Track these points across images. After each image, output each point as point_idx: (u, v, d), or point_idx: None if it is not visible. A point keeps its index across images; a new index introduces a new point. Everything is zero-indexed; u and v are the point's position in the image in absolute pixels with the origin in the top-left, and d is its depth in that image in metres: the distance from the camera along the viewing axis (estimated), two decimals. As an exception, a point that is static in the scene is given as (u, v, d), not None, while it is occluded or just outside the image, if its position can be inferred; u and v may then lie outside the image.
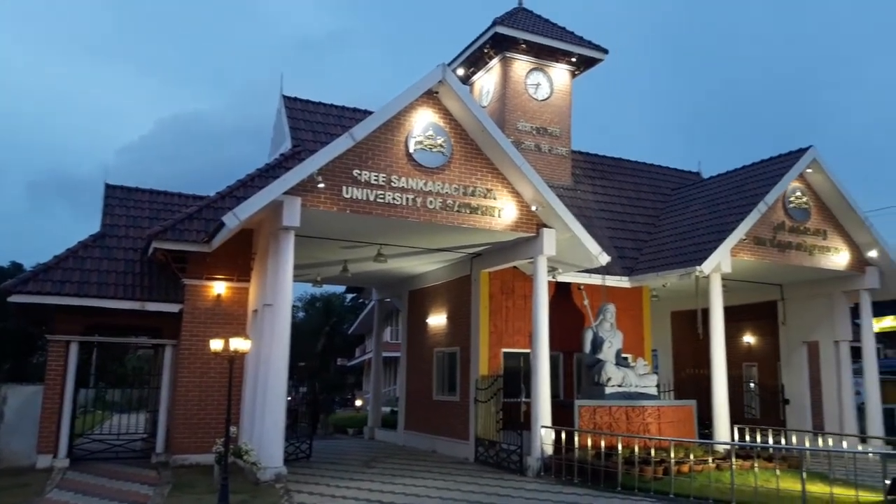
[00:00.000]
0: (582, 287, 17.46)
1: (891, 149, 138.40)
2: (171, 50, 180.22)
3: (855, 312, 19.79)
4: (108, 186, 17.85)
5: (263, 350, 12.97)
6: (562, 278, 17.09)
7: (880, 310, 30.28)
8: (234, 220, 12.25)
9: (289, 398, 15.69)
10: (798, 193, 18.07)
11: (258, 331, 13.70)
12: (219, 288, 15.33)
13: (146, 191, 18.24)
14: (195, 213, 15.27)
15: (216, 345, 11.32)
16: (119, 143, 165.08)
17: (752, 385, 21.28)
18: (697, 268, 16.16)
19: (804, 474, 10.91)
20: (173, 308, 15.25)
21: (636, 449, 12.67)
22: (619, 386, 15.42)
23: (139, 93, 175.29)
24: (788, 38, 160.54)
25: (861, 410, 19.45)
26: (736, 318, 20.20)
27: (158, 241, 14.62)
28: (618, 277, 17.99)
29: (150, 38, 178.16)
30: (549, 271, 15.64)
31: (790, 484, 11.45)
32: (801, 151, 18.08)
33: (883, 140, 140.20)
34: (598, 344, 16.01)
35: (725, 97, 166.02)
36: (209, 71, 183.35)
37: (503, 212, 14.37)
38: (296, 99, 18.00)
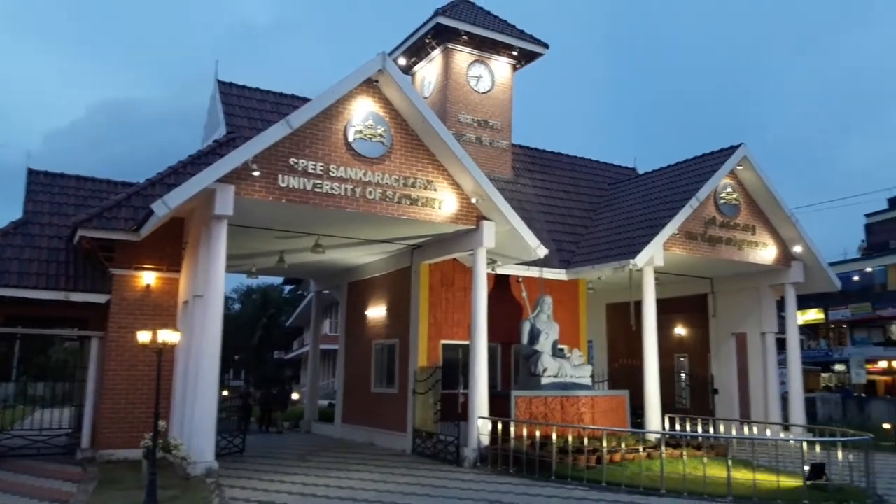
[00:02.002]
0: (521, 279, 17.60)
1: (815, 150, 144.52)
2: (107, 32, 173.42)
3: (781, 306, 20.52)
4: (30, 172, 17.06)
5: (194, 342, 12.62)
6: (501, 270, 17.21)
7: (804, 303, 31.68)
8: (163, 208, 11.86)
9: (226, 393, 15.36)
10: (729, 190, 18.61)
11: (189, 323, 13.34)
12: (148, 278, 14.87)
13: (72, 177, 17.51)
14: (123, 201, 14.78)
15: (144, 337, 10.94)
16: (47, 128, 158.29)
17: (682, 375, 21.88)
18: (631, 261, 16.47)
19: (730, 462, 11.28)
20: (100, 299, 14.73)
21: (570, 438, 12.86)
22: (555, 376, 15.60)
23: (71, 76, 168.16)
24: (722, 46, 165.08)
25: (785, 399, 20.23)
26: (668, 310, 20.70)
27: (84, 229, 14.09)
28: (555, 270, 18.20)
29: (83, 19, 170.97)
30: (488, 263, 15.72)
31: (717, 471, 11.81)
32: (733, 149, 18.61)
33: (808, 142, 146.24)
34: (535, 335, 16.16)
35: (662, 95, 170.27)
36: (146, 56, 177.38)
37: (444, 204, 14.32)
38: (231, 84, 17.54)
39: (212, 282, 12.34)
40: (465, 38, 20.28)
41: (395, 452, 16.15)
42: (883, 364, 36.19)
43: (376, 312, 18.89)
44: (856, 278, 41.20)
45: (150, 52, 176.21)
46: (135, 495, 10.31)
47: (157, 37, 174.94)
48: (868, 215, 46.17)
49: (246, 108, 17.08)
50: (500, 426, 14.10)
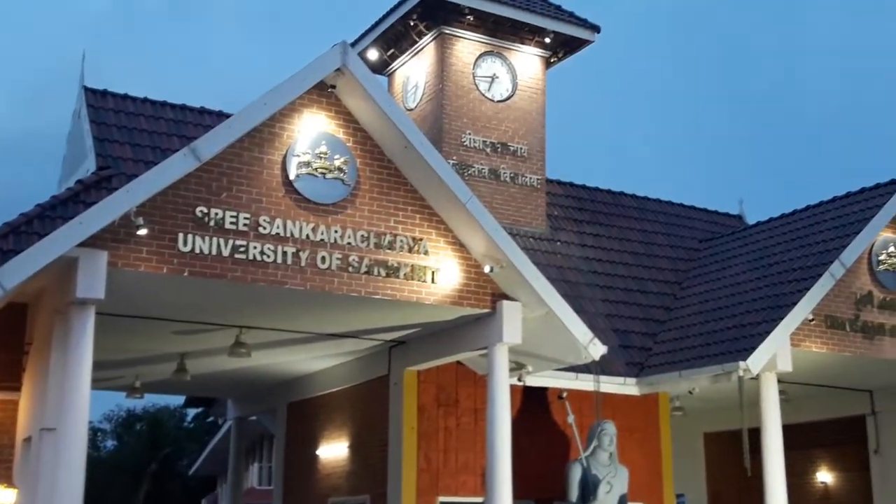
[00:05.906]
0: (564, 395, 17.45)
1: None
2: None
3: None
4: None
5: (40, 504, 12.41)
6: (533, 381, 17.09)
7: None
8: (-6, 288, 11.83)
9: None
10: (892, 249, 18.63)
11: (32, 472, 13.15)
12: (-32, 400, 14.78)
13: None
14: (-68, 277, 14.77)
15: (-42, 497, 10.83)
16: None
17: (831, 549, 21.53)
18: (741, 364, 16.33)
19: None
20: None
21: None
22: (625, 555, 15.41)
23: None
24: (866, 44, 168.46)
25: None
26: (803, 443, 20.53)
27: None
28: (620, 379, 18.11)
29: None
30: (512, 370, 15.62)
31: None
32: (895, 184, 18.77)
33: None
34: (590, 487, 16.01)
35: (772, 105, 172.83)
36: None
37: (439, 274, 14.33)
38: (105, 93, 17.77)
39: (71, 405, 12.17)
40: (470, 18, 20.67)
41: None
42: None
43: (334, 451, 18.80)
44: None
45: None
46: None
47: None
48: None
49: (128, 129, 17.22)
50: None
